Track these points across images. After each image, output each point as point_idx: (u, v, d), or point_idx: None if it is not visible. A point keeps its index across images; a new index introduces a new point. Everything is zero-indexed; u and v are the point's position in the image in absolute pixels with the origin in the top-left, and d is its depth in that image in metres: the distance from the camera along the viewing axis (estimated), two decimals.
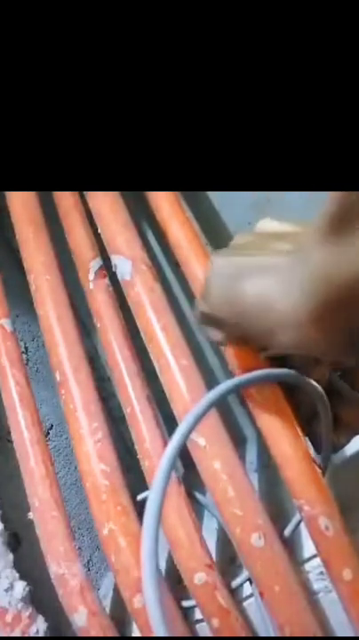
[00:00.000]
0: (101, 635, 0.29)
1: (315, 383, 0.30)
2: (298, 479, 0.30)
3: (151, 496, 0.22)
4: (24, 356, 0.50)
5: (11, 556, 0.34)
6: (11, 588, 0.32)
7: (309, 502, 0.29)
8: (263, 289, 0.25)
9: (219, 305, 0.28)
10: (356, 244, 0.22)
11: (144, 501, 0.41)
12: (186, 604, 0.34)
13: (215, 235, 0.54)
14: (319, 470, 0.31)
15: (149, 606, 0.20)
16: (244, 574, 0.34)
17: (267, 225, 0.30)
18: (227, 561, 0.38)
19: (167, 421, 0.36)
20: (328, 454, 0.33)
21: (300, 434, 0.31)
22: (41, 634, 0.31)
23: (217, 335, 0.30)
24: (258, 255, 0.26)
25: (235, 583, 0.34)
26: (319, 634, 0.28)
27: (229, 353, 0.34)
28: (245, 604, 0.34)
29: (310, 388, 0.30)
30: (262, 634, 0.32)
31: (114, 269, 0.40)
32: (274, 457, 0.31)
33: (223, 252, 0.29)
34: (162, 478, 0.22)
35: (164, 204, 0.42)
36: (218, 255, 0.28)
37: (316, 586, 0.33)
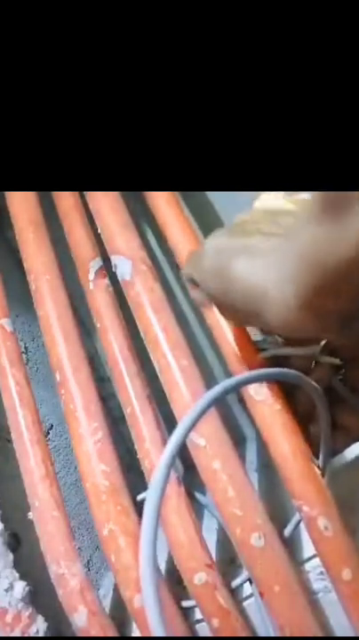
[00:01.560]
0: (101, 635, 0.29)
1: (313, 383, 0.30)
2: (297, 480, 0.30)
3: (150, 493, 0.22)
4: (24, 355, 0.50)
5: (11, 556, 0.34)
6: (11, 587, 0.32)
7: (308, 503, 0.29)
8: (252, 270, 0.25)
9: (209, 281, 0.28)
10: (346, 226, 0.21)
11: (144, 501, 0.41)
12: (186, 604, 0.34)
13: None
14: (318, 471, 0.31)
15: (147, 605, 0.20)
16: (244, 574, 0.34)
17: (267, 201, 0.30)
18: (227, 561, 0.38)
19: (167, 421, 0.36)
20: (327, 455, 0.33)
21: (299, 434, 0.31)
22: (41, 634, 0.31)
23: (199, 296, 0.30)
24: (250, 236, 0.27)
25: (235, 583, 0.34)
26: (319, 634, 0.29)
27: (229, 353, 0.34)
28: (245, 604, 0.34)
29: (309, 387, 0.30)
30: (262, 634, 0.32)
31: (114, 269, 0.40)
32: (273, 457, 0.31)
33: (218, 233, 0.29)
34: (161, 476, 0.22)
35: (162, 204, 0.42)
36: (213, 235, 0.29)
37: (316, 586, 0.33)
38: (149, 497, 0.21)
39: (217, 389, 0.26)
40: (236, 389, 0.28)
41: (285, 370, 0.30)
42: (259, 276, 0.24)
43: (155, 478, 0.22)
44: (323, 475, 0.31)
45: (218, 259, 0.27)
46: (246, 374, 0.29)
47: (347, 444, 0.34)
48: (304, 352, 0.31)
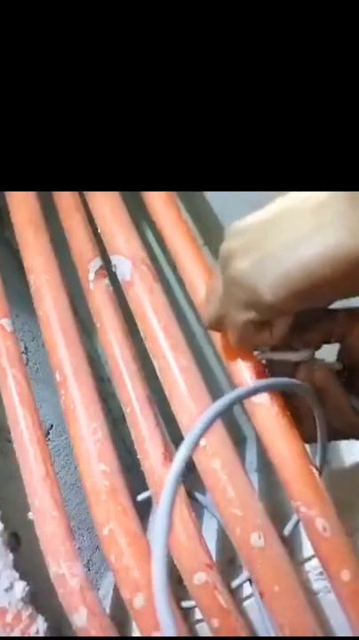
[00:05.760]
0: (101, 635, 0.29)
1: (312, 389, 0.30)
2: (295, 481, 0.30)
3: (159, 517, 0.21)
4: (24, 356, 0.50)
5: (11, 556, 0.34)
6: (11, 587, 0.32)
7: (306, 504, 0.29)
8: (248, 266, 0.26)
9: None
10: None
11: (144, 501, 0.41)
12: (186, 604, 0.34)
13: (214, 236, 0.54)
14: (316, 472, 0.31)
15: (160, 609, 0.19)
16: (244, 574, 0.34)
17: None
18: (227, 561, 0.38)
19: (167, 421, 0.36)
20: (324, 456, 0.33)
21: (297, 436, 0.31)
22: (41, 634, 0.31)
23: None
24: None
25: (235, 583, 0.34)
26: (319, 634, 0.29)
27: (230, 361, 0.34)
28: (245, 604, 0.34)
29: (308, 394, 0.30)
30: (262, 634, 0.32)
31: (114, 269, 0.40)
32: (271, 459, 0.31)
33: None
34: (169, 494, 0.21)
35: (159, 205, 0.42)
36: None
37: (316, 586, 0.33)
38: (159, 520, 0.21)
39: (221, 402, 0.25)
40: (241, 401, 0.28)
41: (287, 380, 0.30)
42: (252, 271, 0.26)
43: (163, 498, 0.21)
44: (320, 476, 0.31)
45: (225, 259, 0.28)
46: (250, 386, 0.29)
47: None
48: (298, 357, 0.31)
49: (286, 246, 0.25)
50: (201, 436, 0.23)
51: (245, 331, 0.29)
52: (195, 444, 0.23)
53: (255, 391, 0.29)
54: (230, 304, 0.29)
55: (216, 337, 0.35)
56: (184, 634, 0.32)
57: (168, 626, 0.19)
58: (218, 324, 0.32)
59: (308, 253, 0.24)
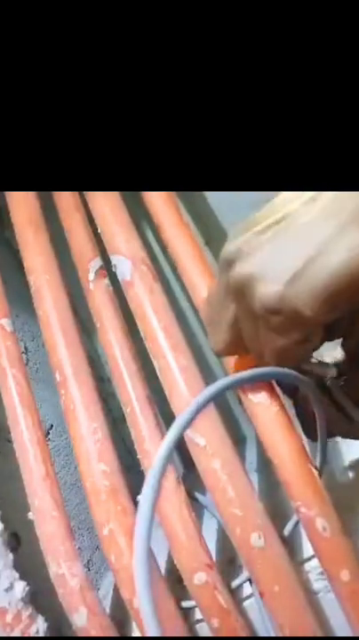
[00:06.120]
0: (101, 635, 0.29)
1: (310, 381, 0.30)
2: (295, 481, 0.30)
3: (145, 489, 0.21)
4: (24, 356, 0.50)
5: (11, 556, 0.34)
6: (11, 587, 0.32)
7: (306, 504, 0.29)
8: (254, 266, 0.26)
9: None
10: None
11: None
12: (186, 604, 0.34)
13: (214, 236, 0.54)
14: (316, 472, 0.31)
15: (142, 603, 0.20)
16: (244, 574, 0.34)
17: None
18: (227, 561, 0.38)
19: (167, 421, 0.36)
20: (324, 456, 0.33)
21: (297, 436, 0.31)
22: (41, 634, 0.31)
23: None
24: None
25: (235, 583, 0.34)
26: (319, 634, 0.29)
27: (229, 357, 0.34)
28: (245, 604, 0.34)
29: (306, 387, 0.30)
30: (262, 634, 0.32)
31: (114, 269, 0.40)
32: (271, 458, 0.31)
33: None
34: (157, 470, 0.22)
35: (159, 205, 0.42)
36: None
37: (316, 586, 0.33)
38: (145, 493, 0.21)
39: (215, 386, 0.26)
40: (234, 387, 0.28)
41: (283, 369, 0.30)
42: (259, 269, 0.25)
43: (151, 474, 0.22)
44: (320, 476, 0.31)
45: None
46: (245, 372, 0.29)
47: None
48: (329, 372, 0.31)
49: (312, 259, 0.24)
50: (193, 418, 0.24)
51: (288, 352, 0.28)
52: (193, 417, 0.23)
53: (253, 378, 0.29)
54: (266, 332, 0.27)
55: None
56: (184, 634, 0.32)
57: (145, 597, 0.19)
58: (238, 349, 0.30)
59: (337, 260, 0.23)
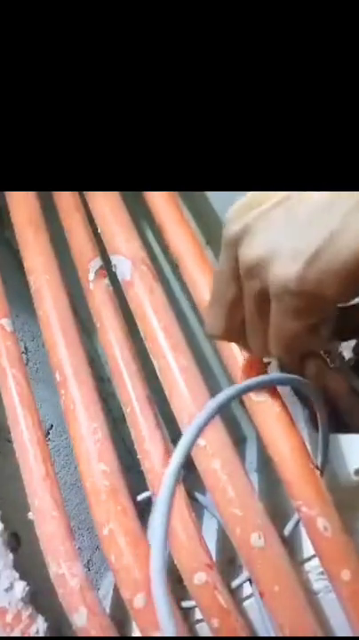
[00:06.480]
0: (101, 635, 0.29)
1: (314, 386, 0.30)
2: (295, 481, 0.30)
3: (158, 509, 0.21)
4: (24, 356, 0.50)
5: (11, 556, 0.34)
6: (11, 587, 0.32)
7: (307, 503, 0.29)
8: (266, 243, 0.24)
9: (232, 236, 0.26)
10: None
11: (144, 501, 0.41)
12: (186, 604, 0.34)
13: (215, 235, 0.54)
14: (317, 471, 0.31)
15: (158, 606, 0.19)
16: (244, 574, 0.34)
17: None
18: (227, 561, 0.38)
19: (167, 421, 0.36)
20: (325, 456, 0.33)
21: (298, 436, 0.31)
22: (41, 634, 0.31)
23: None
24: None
25: (235, 583, 0.34)
26: (319, 634, 0.29)
27: (229, 354, 0.34)
28: (245, 604, 0.34)
29: (309, 391, 0.30)
30: (262, 634, 0.32)
31: (114, 269, 0.40)
32: (272, 458, 0.31)
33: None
34: (168, 487, 0.22)
35: (161, 204, 0.42)
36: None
37: (316, 586, 0.33)
38: (157, 513, 0.21)
39: (221, 397, 0.26)
40: (241, 395, 0.28)
41: (287, 375, 0.30)
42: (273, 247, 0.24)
43: (162, 491, 0.21)
44: (321, 475, 0.31)
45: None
46: (250, 380, 0.28)
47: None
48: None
49: (331, 237, 0.22)
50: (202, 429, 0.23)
51: (296, 340, 0.26)
52: (202, 429, 0.23)
53: (257, 385, 0.29)
54: (276, 315, 0.25)
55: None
56: (184, 634, 0.32)
57: (167, 623, 0.19)
58: (233, 334, 0.29)
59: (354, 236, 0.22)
